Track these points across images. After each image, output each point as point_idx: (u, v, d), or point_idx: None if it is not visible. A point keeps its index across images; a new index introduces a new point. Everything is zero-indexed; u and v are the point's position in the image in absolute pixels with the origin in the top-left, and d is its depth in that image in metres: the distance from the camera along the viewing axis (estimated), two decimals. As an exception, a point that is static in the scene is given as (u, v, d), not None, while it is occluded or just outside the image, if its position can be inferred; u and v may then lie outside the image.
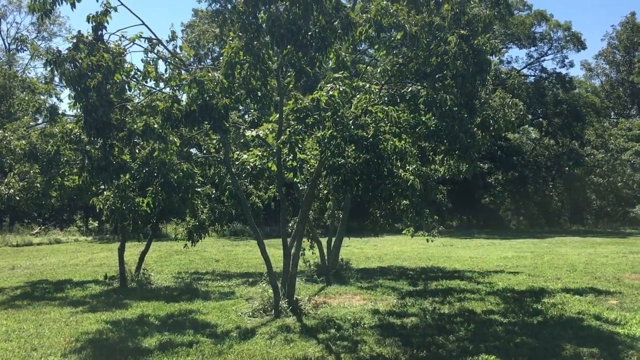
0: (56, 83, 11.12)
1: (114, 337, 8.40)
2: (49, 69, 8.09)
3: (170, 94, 8.97)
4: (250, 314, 9.85)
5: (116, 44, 8.39)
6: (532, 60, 45.99)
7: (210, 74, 8.45)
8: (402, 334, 8.31)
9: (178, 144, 10.91)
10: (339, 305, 10.67)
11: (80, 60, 7.73)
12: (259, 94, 9.41)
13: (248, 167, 12.06)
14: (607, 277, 13.72)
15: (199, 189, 12.11)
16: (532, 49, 45.33)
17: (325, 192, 13.78)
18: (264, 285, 10.97)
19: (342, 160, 8.84)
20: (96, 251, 24.18)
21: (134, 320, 9.59)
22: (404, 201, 13.24)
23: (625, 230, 37.03)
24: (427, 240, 16.02)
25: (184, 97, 8.99)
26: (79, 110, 8.45)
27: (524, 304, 10.55)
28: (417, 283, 13.52)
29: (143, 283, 13.56)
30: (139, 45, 8.99)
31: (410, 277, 14.61)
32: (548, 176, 44.35)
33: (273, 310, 9.78)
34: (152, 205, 10.58)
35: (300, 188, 13.52)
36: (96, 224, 39.43)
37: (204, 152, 13.92)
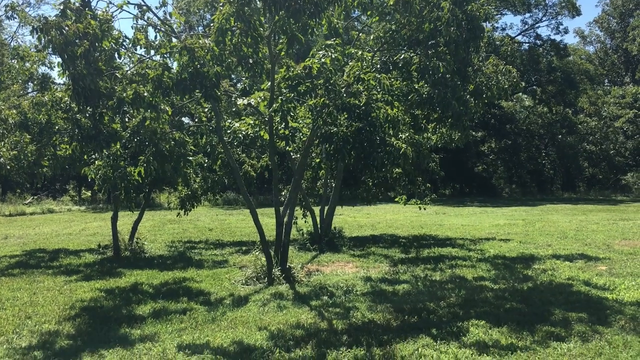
0: (48, 52, 10.94)
1: (108, 305, 8.45)
2: (36, 36, 7.95)
3: (161, 61, 8.85)
4: (244, 281, 9.92)
5: (103, 10, 8.23)
6: (526, 27, 45.65)
7: (200, 41, 8.33)
8: (393, 301, 8.40)
9: (169, 113, 10.83)
10: (331, 273, 10.76)
11: (66, 28, 7.59)
12: (251, 61, 9.31)
13: (240, 135, 12.01)
14: (597, 244, 13.87)
15: (191, 158, 12.08)
16: (527, 15, 44.95)
17: (318, 160, 13.75)
18: (257, 253, 11.02)
19: (335, 129, 8.80)
20: (89, 220, 24.19)
21: (128, 289, 9.64)
22: (397, 169, 13.30)
23: (617, 198, 37.32)
24: (420, 209, 16.12)
25: (174, 65, 8.89)
26: (67, 78, 8.35)
27: (515, 271, 10.67)
28: (409, 251, 13.63)
29: (136, 252, 13.62)
30: (128, 12, 8.86)
31: (403, 245, 14.72)
32: (541, 144, 44.48)
33: (266, 278, 9.86)
34: (143, 175, 10.55)
35: (293, 157, 13.51)
36: (89, 194, 39.42)
37: (196, 120, 13.84)
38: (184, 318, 7.60)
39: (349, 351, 6.13)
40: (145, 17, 9.35)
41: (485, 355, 5.95)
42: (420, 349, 6.14)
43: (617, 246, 13.42)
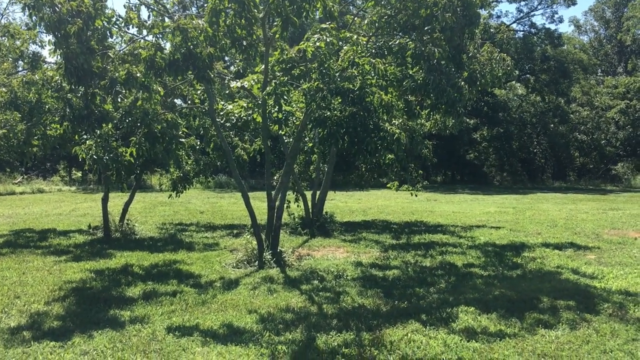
0: (39, 30, 10.80)
1: (98, 286, 8.43)
2: (27, 13, 7.84)
3: (153, 41, 8.74)
4: (234, 265, 9.92)
5: (96, -12, 8.12)
6: (521, 15, 45.58)
7: (194, 22, 8.25)
8: (384, 286, 8.43)
9: (162, 94, 10.74)
10: (322, 258, 10.78)
11: (59, 5, 7.48)
12: (244, 43, 9.22)
13: (233, 118, 11.94)
14: (587, 233, 13.96)
15: (183, 140, 12.01)
16: (522, 3, 44.87)
17: (311, 145, 13.73)
18: (248, 237, 11.02)
19: (328, 113, 8.76)
20: (80, 201, 24.08)
21: (118, 270, 9.62)
22: (390, 155, 13.27)
23: (607, 187, 37.57)
24: (412, 195, 16.13)
25: (167, 46, 8.79)
26: (59, 57, 8.25)
27: (504, 258, 10.72)
28: (400, 237, 13.67)
29: (127, 233, 13.58)
30: (121, -10, 8.72)
31: (394, 231, 14.76)
32: (533, 133, 44.59)
33: (257, 262, 9.86)
34: (135, 156, 10.49)
35: (286, 141, 13.46)
36: (80, 174, 39.21)
37: (189, 102, 13.73)
38: (174, 300, 7.60)
39: (338, 335, 6.15)
40: (138, -4, 9.24)
41: (474, 341, 5.98)
42: (409, 334, 6.16)
43: (606, 235, 13.52)
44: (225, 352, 5.66)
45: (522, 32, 45.37)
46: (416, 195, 16.53)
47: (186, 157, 13.87)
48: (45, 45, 13.17)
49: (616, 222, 16.17)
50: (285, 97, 8.76)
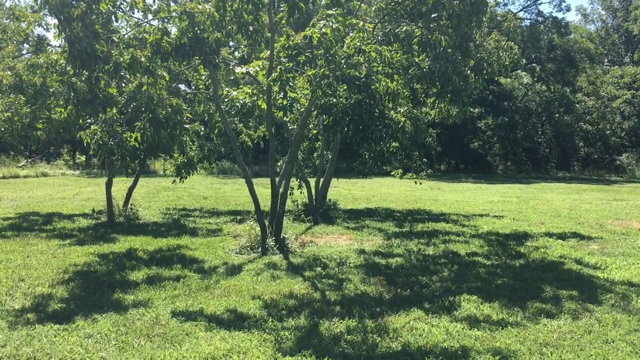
0: (44, 12, 10.73)
1: (102, 270, 8.46)
2: (32, -4, 7.82)
3: (159, 26, 8.71)
4: (238, 250, 9.95)
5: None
6: (528, 3, 45.19)
7: (200, 7, 8.21)
8: (386, 274, 8.44)
9: (167, 79, 10.71)
10: (325, 245, 10.79)
11: (64, -12, 7.45)
12: (251, 28, 9.18)
13: (237, 104, 11.92)
14: (590, 223, 13.94)
15: (187, 126, 12.00)
16: (530, -9, 44.50)
17: (315, 132, 13.70)
18: (251, 223, 11.03)
19: (334, 100, 8.73)
20: (83, 185, 24.13)
21: (122, 254, 9.65)
22: (394, 143, 13.23)
23: (611, 178, 37.48)
24: (415, 183, 16.11)
25: (173, 30, 8.76)
26: (63, 40, 8.23)
27: (507, 247, 10.72)
28: (403, 225, 13.67)
29: (131, 218, 13.62)
30: (125, -27, 8.67)
31: (397, 219, 14.76)
32: (538, 122, 44.40)
33: (260, 248, 9.88)
34: (139, 141, 10.48)
35: (290, 127, 13.44)
36: (83, 158, 39.28)
37: (193, 88, 13.70)
38: (178, 285, 7.62)
39: (341, 322, 6.17)
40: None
41: (476, 329, 5.99)
42: (412, 322, 6.18)
43: (609, 226, 13.49)
44: (229, 337, 5.68)
45: (528, 21, 45.03)
46: (420, 184, 16.48)
47: (190, 143, 13.87)
48: (51, 28, 13.17)
49: (620, 213, 16.14)
50: (290, 84, 8.73)
